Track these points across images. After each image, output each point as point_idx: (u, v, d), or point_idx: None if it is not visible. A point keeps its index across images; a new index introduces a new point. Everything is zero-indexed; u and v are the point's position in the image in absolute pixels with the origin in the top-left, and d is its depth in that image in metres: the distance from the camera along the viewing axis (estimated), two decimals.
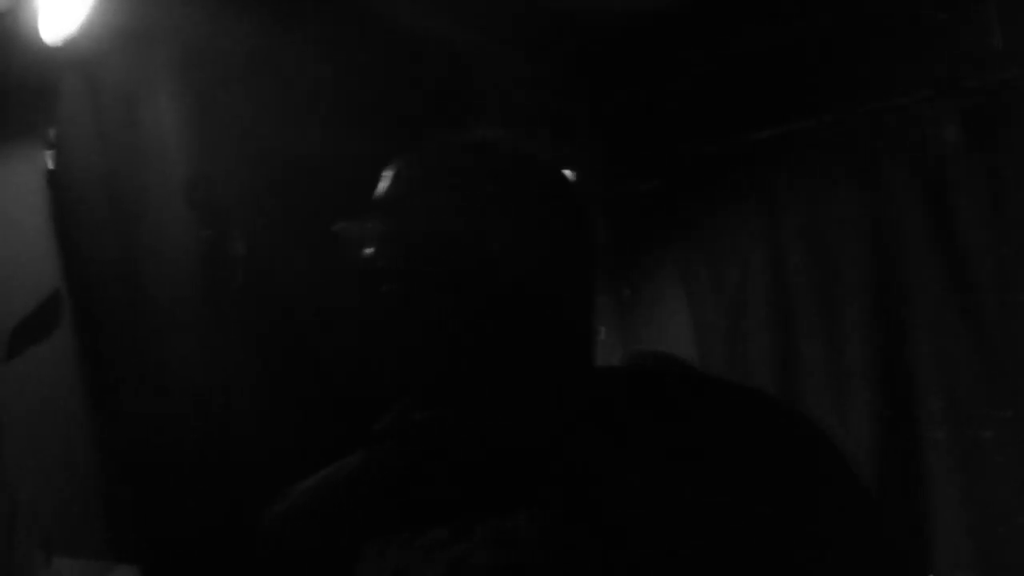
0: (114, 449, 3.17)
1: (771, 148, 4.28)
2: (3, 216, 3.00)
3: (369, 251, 1.50)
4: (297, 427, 3.23)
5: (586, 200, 1.58)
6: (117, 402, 3.16)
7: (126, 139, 3.18)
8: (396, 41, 3.58)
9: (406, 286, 1.47)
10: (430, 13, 3.55)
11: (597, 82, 4.20)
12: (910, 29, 3.97)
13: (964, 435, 3.86)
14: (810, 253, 4.21)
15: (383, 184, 1.56)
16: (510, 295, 1.45)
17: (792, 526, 1.31)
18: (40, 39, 2.97)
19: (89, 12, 2.98)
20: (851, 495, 1.39)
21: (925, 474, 3.90)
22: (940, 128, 3.96)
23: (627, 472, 1.33)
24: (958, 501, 3.82)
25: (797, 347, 4.20)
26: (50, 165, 3.15)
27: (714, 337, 4.38)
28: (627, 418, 1.40)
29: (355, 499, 1.52)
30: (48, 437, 3.06)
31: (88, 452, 3.16)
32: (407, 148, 1.59)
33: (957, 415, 3.87)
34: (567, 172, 1.58)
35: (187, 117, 3.24)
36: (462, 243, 1.46)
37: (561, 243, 1.50)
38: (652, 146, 4.47)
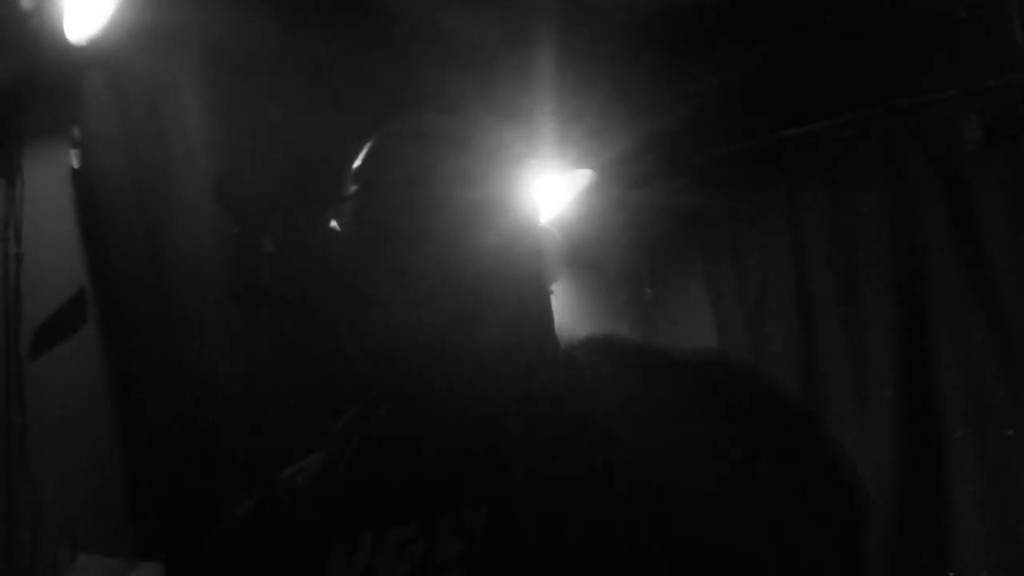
0: (139, 447, 3.18)
1: (795, 147, 4.28)
2: (28, 215, 3.02)
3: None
4: (324, 426, 3.24)
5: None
6: (142, 400, 3.17)
7: (151, 137, 3.19)
8: (422, 38, 3.58)
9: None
10: (455, 10, 3.55)
11: (623, 81, 4.19)
12: (933, 29, 3.96)
13: (985, 433, 3.85)
14: (833, 252, 4.20)
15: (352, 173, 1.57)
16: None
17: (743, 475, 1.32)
18: (65, 38, 2.98)
19: (114, 12, 2.99)
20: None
21: (946, 472, 3.89)
22: (962, 126, 3.95)
23: (583, 454, 1.34)
24: (979, 499, 3.81)
25: (819, 346, 4.19)
26: (75, 164, 3.17)
27: (736, 336, 4.38)
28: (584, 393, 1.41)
29: (319, 501, 1.52)
30: (73, 435, 3.07)
31: (113, 450, 3.18)
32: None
33: (978, 414, 3.86)
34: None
35: (212, 115, 3.25)
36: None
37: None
38: (677, 146, 4.47)
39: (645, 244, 4.61)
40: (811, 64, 4.11)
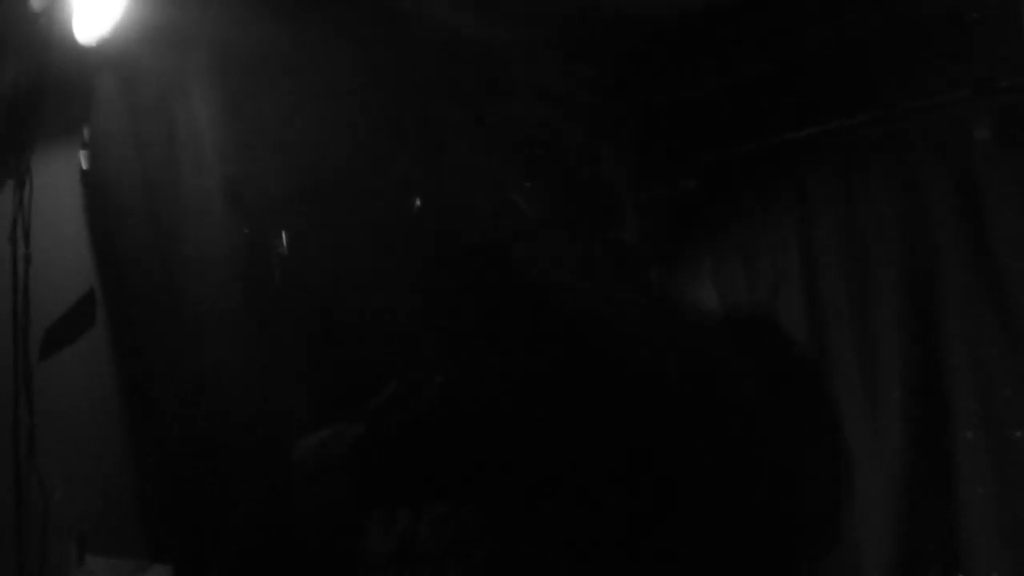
0: (148, 448, 3.18)
1: (805, 148, 4.27)
2: (38, 215, 3.01)
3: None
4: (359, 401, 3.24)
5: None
6: (152, 402, 3.17)
7: (160, 139, 3.19)
8: (433, 41, 3.58)
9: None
10: (467, 12, 3.55)
11: (634, 83, 4.19)
12: (944, 30, 3.96)
13: (995, 435, 3.84)
14: (843, 254, 4.20)
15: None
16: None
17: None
18: (75, 40, 2.98)
19: (123, 13, 2.99)
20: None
21: (955, 474, 3.89)
22: (973, 127, 3.94)
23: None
24: (988, 501, 3.81)
25: (829, 348, 4.19)
26: (84, 165, 3.17)
27: None
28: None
29: (358, 473, 1.55)
30: (82, 436, 3.07)
31: (122, 451, 3.18)
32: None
33: (988, 415, 3.86)
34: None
35: (222, 116, 3.25)
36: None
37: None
38: (687, 147, 4.46)
39: (656, 246, 4.61)
40: (822, 66, 4.11)
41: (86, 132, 3.16)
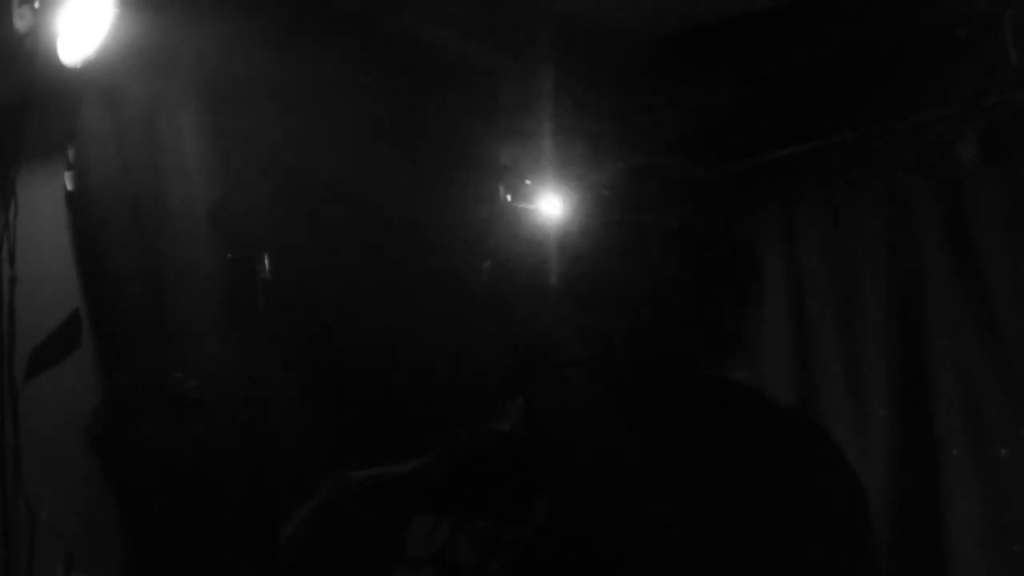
0: (134, 469, 3.19)
1: (791, 165, 4.27)
2: (23, 236, 3.02)
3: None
4: (323, 447, 3.25)
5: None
6: (137, 422, 3.17)
7: (146, 160, 3.20)
8: (423, 59, 3.58)
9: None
10: (452, 32, 3.56)
11: (620, 102, 4.20)
12: (929, 48, 3.96)
13: (981, 452, 3.85)
14: (829, 270, 4.20)
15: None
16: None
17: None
18: (60, 61, 2.99)
19: (108, 34, 2.99)
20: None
21: (942, 490, 3.89)
22: (959, 145, 3.95)
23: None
24: (974, 517, 3.81)
25: (813, 363, 4.19)
26: (69, 186, 3.17)
27: None
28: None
29: (413, 479, 1.66)
30: (68, 456, 3.08)
31: (108, 471, 3.18)
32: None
33: (974, 431, 3.86)
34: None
35: (207, 138, 3.25)
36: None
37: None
38: (673, 166, 4.45)
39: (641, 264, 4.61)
40: (807, 83, 4.11)
41: (71, 153, 3.16)
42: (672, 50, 4.07)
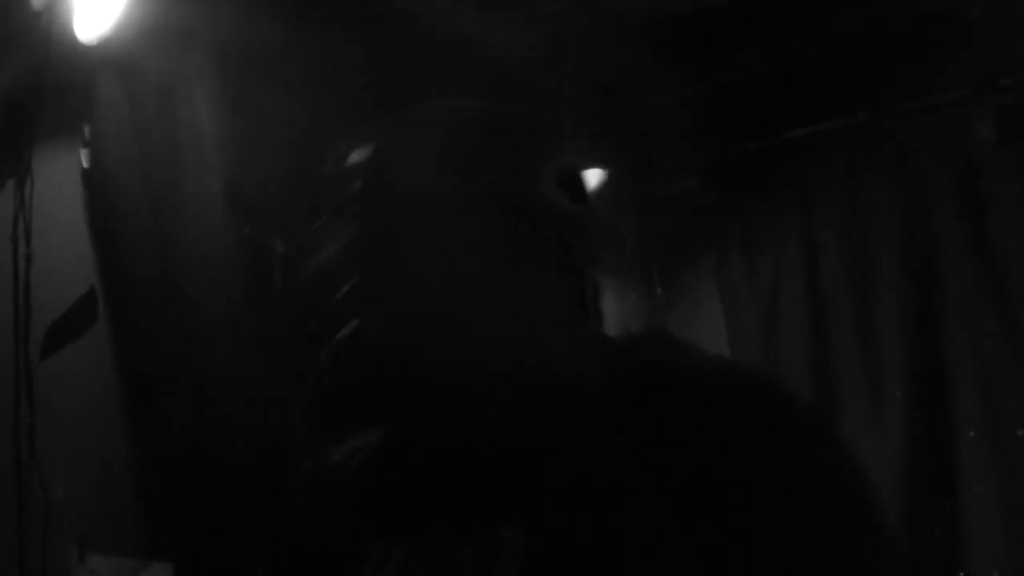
0: (149, 447, 3.18)
1: (807, 147, 4.27)
2: (38, 214, 3.01)
3: None
4: (337, 427, 3.24)
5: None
6: (152, 401, 3.17)
7: (161, 137, 3.19)
8: (434, 38, 3.57)
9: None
10: (467, 10, 3.55)
11: (636, 82, 4.19)
12: (945, 27, 3.95)
13: (997, 434, 3.84)
14: (845, 253, 4.19)
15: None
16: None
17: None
18: (75, 38, 2.98)
19: (124, 11, 2.99)
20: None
21: (957, 472, 3.88)
22: (975, 126, 3.94)
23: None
24: (991, 500, 3.81)
25: (831, 347, 4.18)
26: (85, 163, 3.16)
27: (747, 337, 4.37)
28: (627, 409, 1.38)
29: (358, 499, 1.52)
30: (83, 435, 3.07)
31: (123, 450, 3.18)
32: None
33: (990, 414, 3.86)
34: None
35: (223, 115, 3.25)
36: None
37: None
38: (689, 146, 4.46)
39: (657, 245, 4.60)
40: (823, 64, 4.11)
41: (87, 131, 3.16)
42: (685, 28, 4.06)
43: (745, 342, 4.36)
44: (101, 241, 3.17)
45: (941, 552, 3.85)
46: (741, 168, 4.42)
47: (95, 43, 2.99)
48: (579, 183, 1.50)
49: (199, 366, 3.12)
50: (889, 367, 4.03)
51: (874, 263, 4.14)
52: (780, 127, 4.28)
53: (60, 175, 3.13)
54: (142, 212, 3.17)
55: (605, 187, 4.33)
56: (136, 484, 3.18)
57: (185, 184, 3.18)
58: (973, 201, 3.97)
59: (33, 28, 2.97)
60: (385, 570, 1.38)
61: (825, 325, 4.21)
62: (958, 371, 3.92)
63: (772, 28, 4.04)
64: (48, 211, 3.05)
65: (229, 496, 3.08)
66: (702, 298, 4.57)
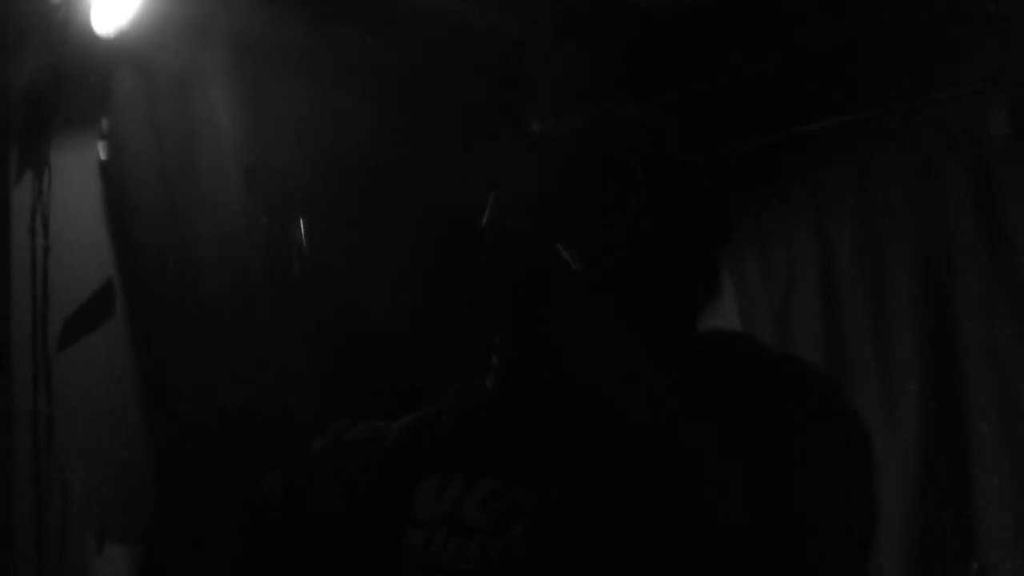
0: (167, 437, 3.20)
1: (820, 140, 4.26)
2: (56, 207, 3.03)
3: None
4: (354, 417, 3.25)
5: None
6: (170, 391, 3.18)
7: (179, 129, 3.21)
8: (450, 31, 3.58)
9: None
10: (483, 3, 3.56)
11: (649, 75, 4.19)
12: (959, 21, 3.95)
13: (1011, 426, 3.83)
14: (858, 244, 4.18)
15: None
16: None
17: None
18: (93, 32, 3.00)
19: (141, 4, 3.00)
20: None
21: (971, 464, 3.88)
22: (989, 121, 3.94)
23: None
24: (1004, 492, 3.80)
25: (844, 338, 4.18)
26: (103, 156, 3.18)
27: (761, 328, 4.37)
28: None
29: (418, 437, 1.60)
30: (101, 426, 3.09)
31: (140, 441, 3.19)
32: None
33: (1004, 407, 3.85)
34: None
35: (240, 107, 3.26)
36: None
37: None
38: (701, 139, 4.45)
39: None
40: (836, 58, 4.10)
41: (104, 123, 3.18)
42: (699, 22, 4.06)
43: (758, 333, 4.36)
44: (118, 233, 3.19)
45: (955, 543, 3.85)
46: (756, 160, 4.41)
47: (112, 37, 3.01)
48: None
49: (216, 355, 3.13)
50: (903, 360, 4.02)
51: (887, 258, 4.13)
52: (792, 122, 4.28)
53: (78, 168, 3.15)
54: (159, 205, 3.19)
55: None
56: (155, 474, 3.20)
57: (201, 176, 3.19)
58: (987, 195, 3.96)
59: (51, 22, 3.00)
60: (443, 495, 1.46)
61: (839, 319, 4.21)
62: (972, 364, 3.91)
63: (786, 21, 4.04)
64: (66, 204, 3.07)
65: (247, 484, 3.09)
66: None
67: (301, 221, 2.41)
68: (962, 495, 3.85)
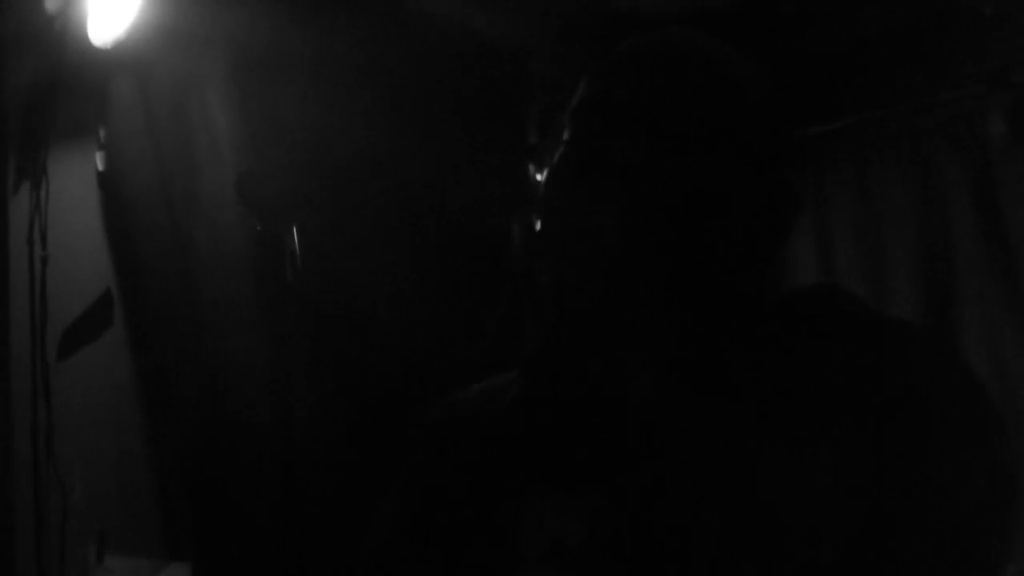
0: (167, 448, 3.20)
1: (821, 142, 4.25)
2: (54, 216, 3.03)
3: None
4: (352, 423, 3.25)
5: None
6: (169, 401, 3.18)
7: (176, 138, 3.20)
8: (448, 38, 3.58)
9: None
10: (482, 9, 3.55)
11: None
12: (958, 23, 3.94)
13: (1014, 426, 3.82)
14: (858, 246, 4.18)
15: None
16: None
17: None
18: (90, 41, 2.99)
19: (138, 14, 2.99)
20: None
21: None
22: (988, 121, 3.93)
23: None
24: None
25: None
26: (100, 165, 3.18)
27: None
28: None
29: (509, 447, 1.39)
30: (100, 436, 3.08)
31: (140, 450, 3.19)
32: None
33: (1006, 406, 3.84)
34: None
35: (237, 116, 3.25)
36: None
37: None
38: None
39: None
40: (837, 59, 4.10)
41: (102, 133, 3.17)
42: (702, 25, 4.05)
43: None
44: (116, 242, 3.19)
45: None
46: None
47: (109, 46, 3.00)
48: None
49: (215, 364, 3.13)
50: None
51: (887, 257, 4.13)
52: (795, 122, 4.26)
53: (75, 177, 3.14)
54: (157, 213, 3.18)
55: None
56: (154, 484, 3.20)
57: (200, 184, 3.19)
58: (986, 195, 3.96)
59: (47, 31, 2.99)
60: (542, 534, 1.29)
61: None
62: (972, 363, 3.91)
63: (786, 24, 4.03)
64: (64, 213, 3.07)
65: (247, 494, 3.09)
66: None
67: (294, 227, 2.40)
68: None
